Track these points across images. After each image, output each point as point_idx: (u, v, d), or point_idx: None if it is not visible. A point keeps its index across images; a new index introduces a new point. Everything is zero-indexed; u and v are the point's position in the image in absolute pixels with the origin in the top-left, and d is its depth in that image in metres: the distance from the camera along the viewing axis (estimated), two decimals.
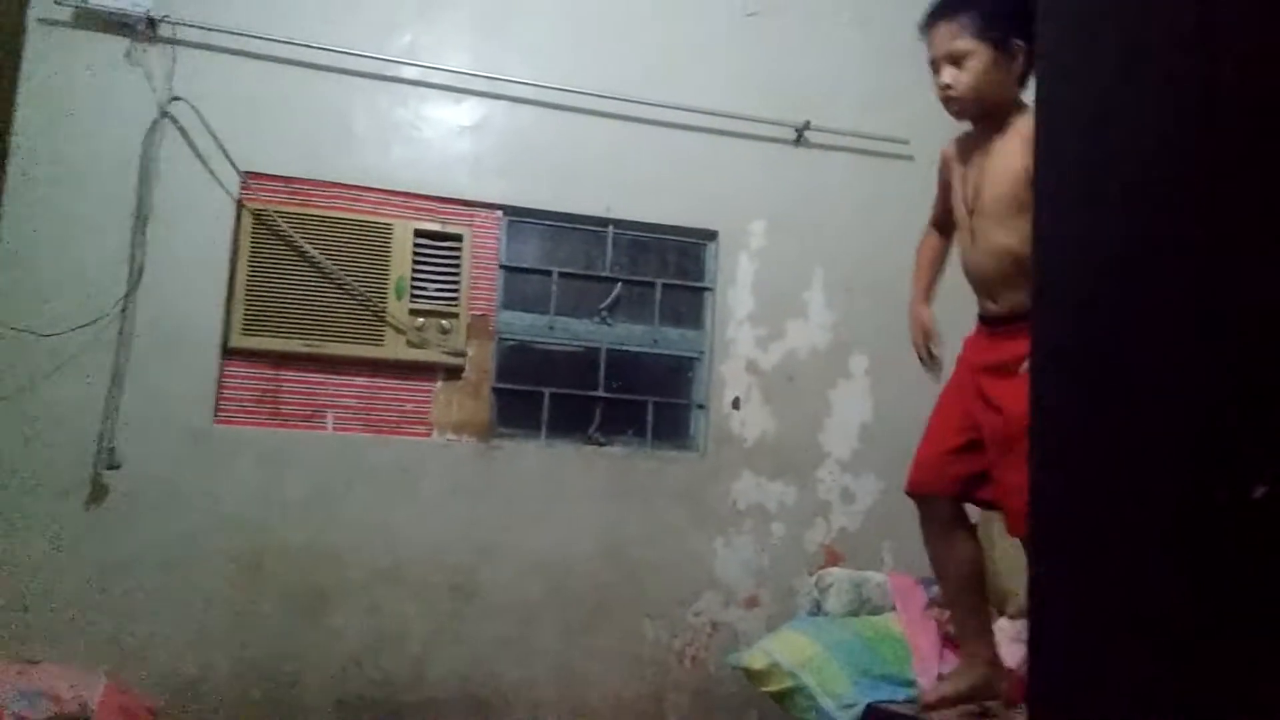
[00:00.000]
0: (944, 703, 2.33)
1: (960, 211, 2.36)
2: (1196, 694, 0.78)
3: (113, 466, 2.92)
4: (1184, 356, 0.79)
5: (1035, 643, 0.92)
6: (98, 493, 2.93)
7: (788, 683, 2.79)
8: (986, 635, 2.36)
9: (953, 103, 2.29)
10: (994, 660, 2.35)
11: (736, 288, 3.58)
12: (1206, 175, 0.82)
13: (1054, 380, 0.95)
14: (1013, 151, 2.20)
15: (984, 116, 2.29)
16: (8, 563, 2.84)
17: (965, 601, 2.39)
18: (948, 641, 2.85)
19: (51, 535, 2.88)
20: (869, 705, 2.64)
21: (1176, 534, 0.79)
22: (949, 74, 2.25)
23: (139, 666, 2.88)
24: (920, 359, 2.47)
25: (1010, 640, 2.85)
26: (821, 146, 3.67)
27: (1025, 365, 1.89)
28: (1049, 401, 0.95)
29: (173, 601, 2.95)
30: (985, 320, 2.34)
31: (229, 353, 3.10)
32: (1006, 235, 2.20)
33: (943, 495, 2.35)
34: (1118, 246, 0.89)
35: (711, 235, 3.60)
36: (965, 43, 2.22)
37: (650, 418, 3.52)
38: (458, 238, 3.31)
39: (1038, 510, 0.93)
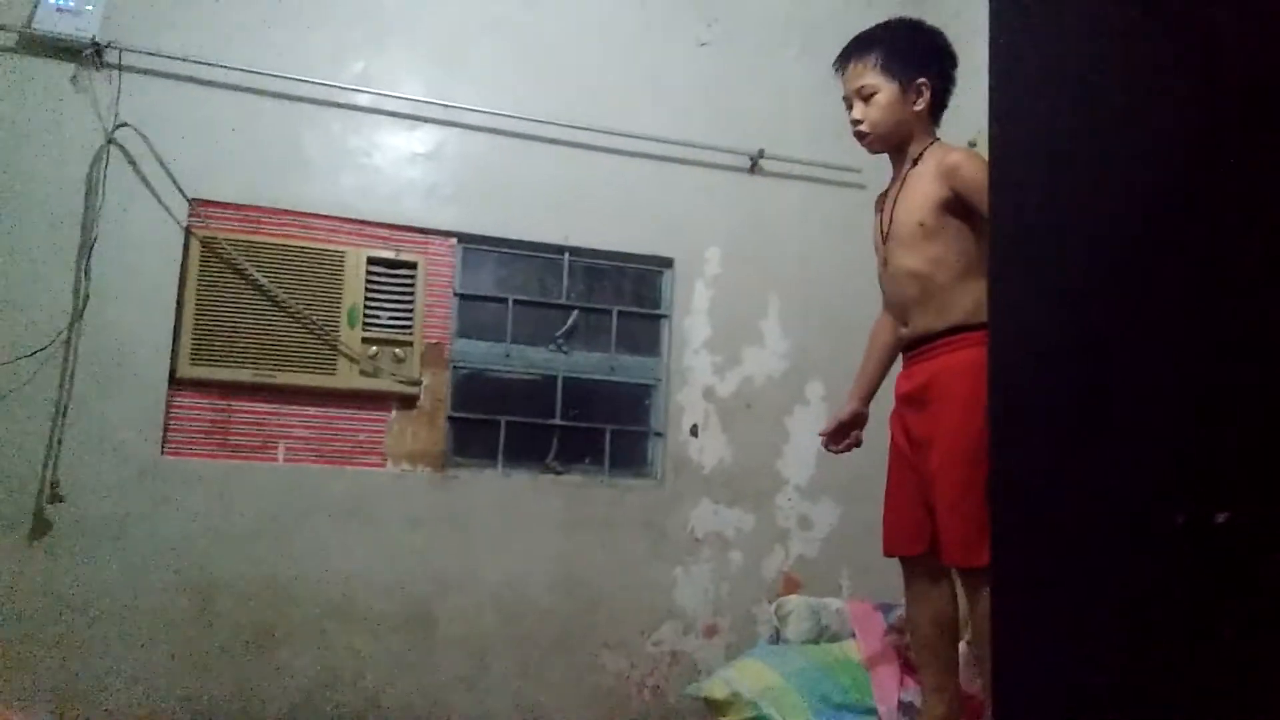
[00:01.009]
0: None
1: (877, 240, 2.51)
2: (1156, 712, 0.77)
3: (57, 500, 2.83)
4: (1146, 383, 0.79)
5: (998, 669, 0.92)
6: (41, 527, 2.84)
7: (748, 713, 2.77)
8: (953, 673, 2.38)
9: (863, 137, 2.46)
10: (957, 694, 2.36)
11: (693, 315, 3.59)
12: (1167, 198, 0.83)
13: (1011, 406, 0.96)
14: (924, 180, 2.35)
15: (897, 150, 2.47)
16: None
17: (935, 653, 2.42)
18: (907, 668, 2.85)
19: None
20: None
21: (1135, 558, 0.79)
22: (859, 110, 2.43)
23: (87, 706, 2.78)
24: (822, 442, 2.72)
25: (970, 664, 2.86)
26: (775, 175, 3.70)
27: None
28: (1007, 434, 0.95)
29: (121, 638, 2.86)
30: (905, 348, 2.47)
31: (177, 383, 3.03)
32: (914, 260, 2.35)
33: (917, 554, 2.38)
34: (1077, 269, 0.89)
35: (667, 263, 3.60)
36: (873, 79, 2.41)
37: (608, 446, 3.50)
38: (411, 265, 3.28)
39: (998, 541, 0.93)
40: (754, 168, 3.67)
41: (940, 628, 2.39)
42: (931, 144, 2.42)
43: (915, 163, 2.40)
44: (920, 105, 2.40)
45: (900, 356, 2.52)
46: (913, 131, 2.43)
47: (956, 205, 2.29)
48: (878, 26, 2.47)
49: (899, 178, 2.46)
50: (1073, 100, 0.91)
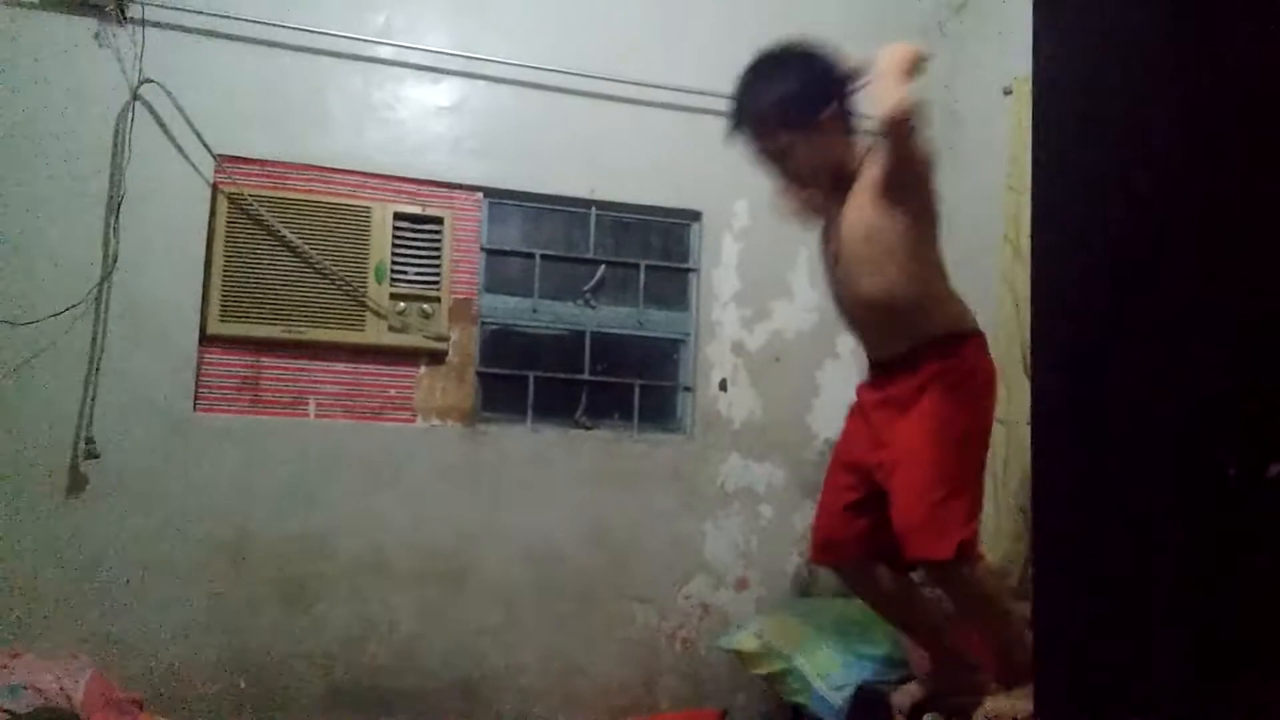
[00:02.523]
0: (915, 703, 2.32)
1: (828, 269, 2.37)
2: (1208, 680, 0.75)
3: (92, 456, 2.87)
4: (1194, 337, 0.76)
5: (1041, 629, 0.90)
6: (77, 483, 2.88)
7: (779, 665, 2.78)
8: (946, 638, 2.35)
9: (797, 196, 2.35)
10: (962, 657, 2.32)
11: (721, 268, 3.55)
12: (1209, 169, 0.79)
13: (1056, 360, 0.93)
14: (862, 201, 2.19)
15: (834, 184, 2.29)
16: None
17: (917, 627, 2.42)
18: None
19: (32, 526, 2.83)
20: (860, 685, 2.63)
21: (1186, 512, 0.77)
22: (781, 173, 2.29)
23: (124, 657, 2.84)
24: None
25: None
26: None
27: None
28: (1051, 385, 0.92)
29: (156, 591, 2.91)
30: (873, 365, 2.36)
31: (207, 339, 3.04)
32: (871, 283, 2.19)
33: (849, 558, 2.35)
34: (1122, 229, 0.86)
35: (695, 216, 3.56)
36: (780, 139, 2.23)
37: (636, 400, 3.49)
38: (438, 220, 3.26)
39: (1041, 496, 0.91)
40: None
41: (902, 605, 2.38)
42: (861, 160, 2.24)
43: (851, 184, 2.24)
44: (837, 130, 2.22)
45: (870, 374, 2.39)
46: (841, 159, 2.26)
47: (898, 190, 2.13)
48: (752, 80, 2.26)
49: (838, 203, 2.27)
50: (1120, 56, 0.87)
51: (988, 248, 3.31)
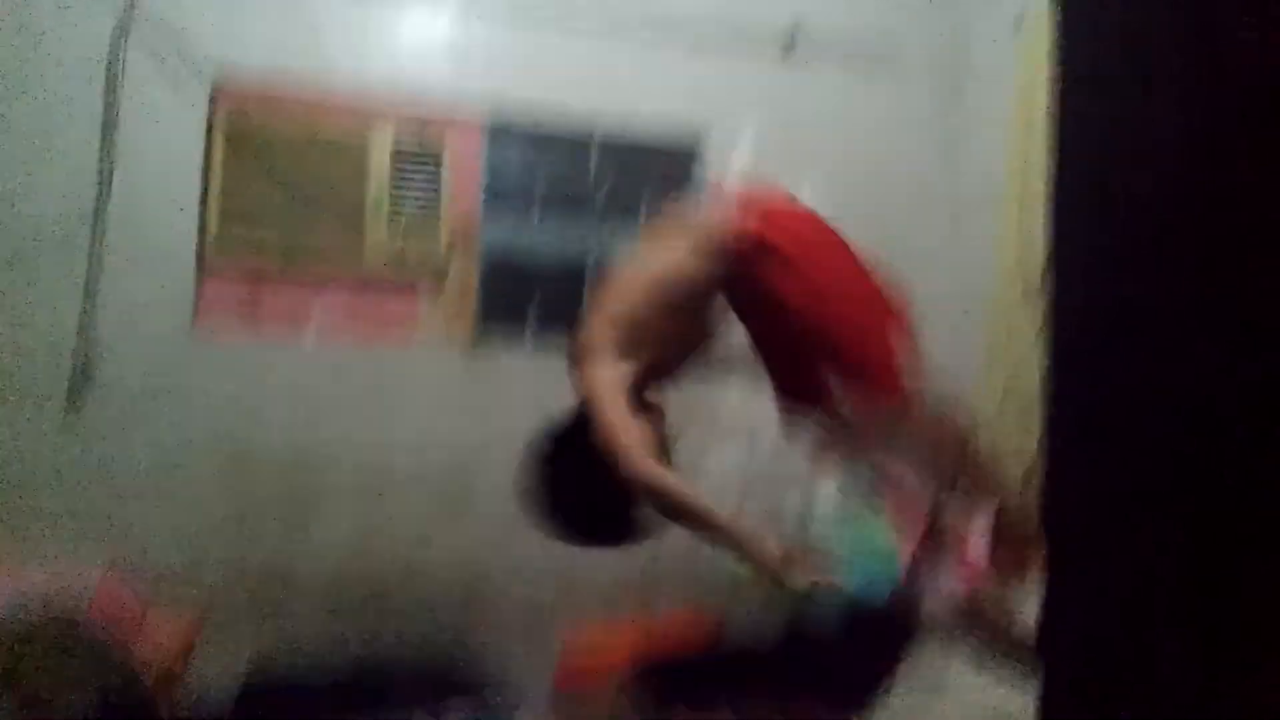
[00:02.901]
0: None
1: None
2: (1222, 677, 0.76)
3: (89, 376, 2.87)
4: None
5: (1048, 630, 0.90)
6: (76, 402, 2.89)
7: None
8: None
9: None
10: None
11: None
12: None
13: (1073, 355, 0.91)
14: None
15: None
16: None
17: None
18: (931, 532, 2.86)
19: (35, 442, 2.85)
20: (855, 596, 2.65)
21: (1193, 508, 0.77)
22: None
23: (131, 567, 2.86)
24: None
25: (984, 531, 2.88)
26: (810, 53, 3.59)
27: None
28: (1066, 389, 0.91)
29: (161, 503, 2.94)
30: None
31: (205, 264, 3.03)
32: None
33: None
34: (1136, 226, 0.84)
35: (698, 149, 3.53)
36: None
37: None
38: (438, 147, 3.23)
39: (1052, 496, 0.91)
40: (788, 45, 3.56)
41: None
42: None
43: None
44: None
45: None
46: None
47: None
48: None
49: None
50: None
51: (992, 187, 3.30)
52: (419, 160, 3.21)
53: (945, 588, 2.50)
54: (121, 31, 2.94)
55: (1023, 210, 3.06)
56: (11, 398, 2.84)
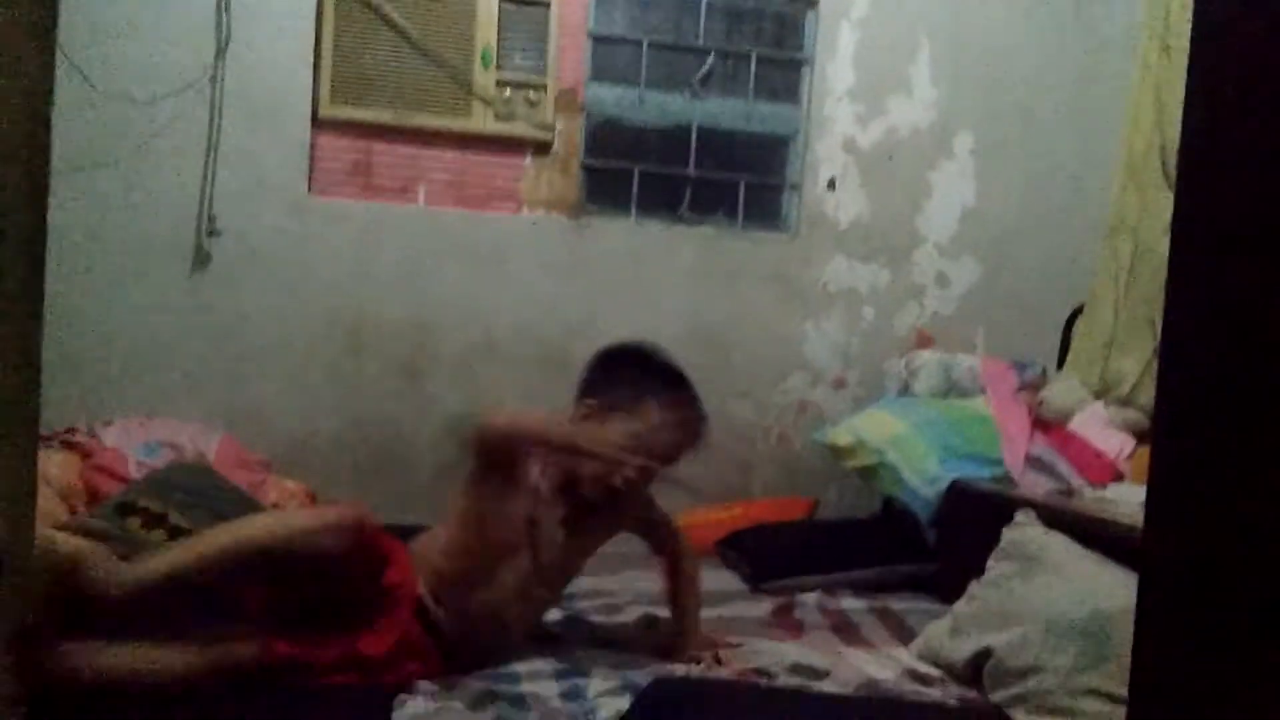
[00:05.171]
0: None
1: None
2: None
3: (214, 233, 2.99)
4: None
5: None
6: (201, 259, 3.01)
7: (873, 459, 2.82)
8: None
9: None
10: None
11: (836, 61, 3.39)
12: None
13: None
14: None
15: None
16: (122, 326, 2.97)
17: None
18: (1038, 424, 2.84)
19: (160, 300, 2.99)
20: (953, 482, 2.66)
21: None
22: None
23: (249, 424, 3.02)
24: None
25: (1103, 425, 2.83)
26: None
27: None
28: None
29: (278, 364, 3.08)
30: None
31: (319, 122, 3.08)
32: None
33: None
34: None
35: (812, 2, 3.38)
36: None
37: (741, 198, 3.44)
38: (545, 3, 3.17)
39: (1167, 395, 0.87)
40: None
41: None
42: None
43: None
44: None
45: None
46: None
47: None
48: None
49: None
50: None
51: (1128, 42, 3.08)
52: (526, 13, 3.16)
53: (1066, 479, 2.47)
54: None
55: (1164, 60, 2.85)
56: (139, 257, 2.97)
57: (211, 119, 2.98)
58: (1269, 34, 0.79)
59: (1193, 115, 0.87)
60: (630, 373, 1.98)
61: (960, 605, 2.05)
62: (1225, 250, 0.82)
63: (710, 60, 3.37)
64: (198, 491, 2.51)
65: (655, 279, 3.33)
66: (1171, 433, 0.89)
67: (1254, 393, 0.78)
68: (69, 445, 2.62)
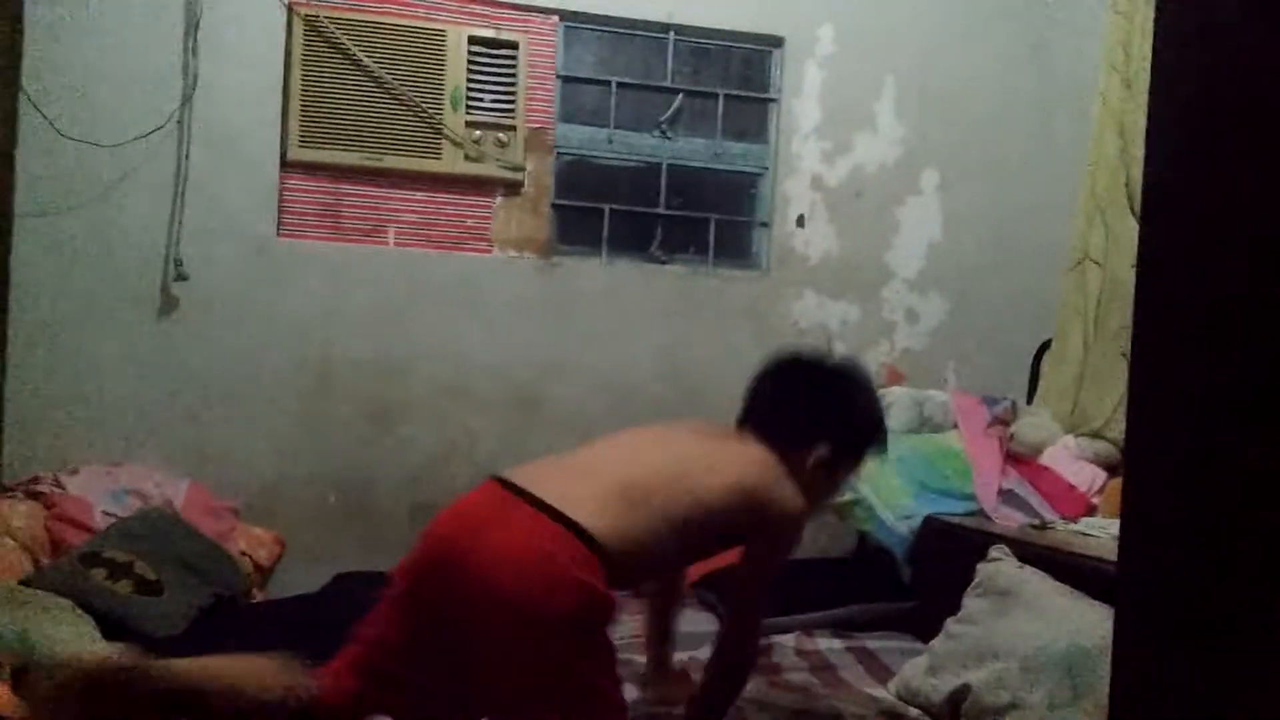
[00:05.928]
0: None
1: None
2: None
3: (181, 278, 2.96)
4: None
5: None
6: (169, 304, 2.98)
7: (847, 494, 2.82)
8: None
9: None
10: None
11: (802, 98, 3.43)
12: None
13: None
14: None
15: None
16: (87, 372, 2.92)
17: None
18: (1009, 458, 2.85)
19: (127, 345, 2.96)
20: (927, 517, 2.67)
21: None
22: None
23: (218, 470, 2.99)
24: None
25: (1074, 458, 2.85)
26: None
27: None
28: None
29: (247, 410, 3.04)
30: None
31: (288, 165, 3.07)
32: None
33: None
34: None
35: (777, 42, 3.43)
36: None
37: (712, 235, 3.45)
38: (513, 45, 3.19)
39: (1137, 427, 0.87)
40: None
41: None
42: None
43: None
44: None
45: None
46: None
47: None
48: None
49: None
50: None
51: (1088, 78, 3.14)
52: (495, 56, 3.18)
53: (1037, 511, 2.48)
54: None
55: (1126, 95, 2.91)
56: (106, 302, 2.94)
57: (179, 162, 2.96)
58: (1228, 67, 0.80)
59: (1154, 149, 0.89)
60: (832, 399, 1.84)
61: (937, 643, 2.05)
62: (1191, 282, 0.83)
63: (679, 100, 3.40)
64: (165, 540, 2.48)
65: (627, 317, 3.33)
66: (1142, 465, 0.90)
67: (1224, 423, 0.79)
68: (33, 495, 2.57)
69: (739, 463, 1.67)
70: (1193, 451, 0.82)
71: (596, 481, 1.56)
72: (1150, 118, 0.87)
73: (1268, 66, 0.76)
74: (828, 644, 2.39)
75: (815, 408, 1.81)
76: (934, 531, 2.63)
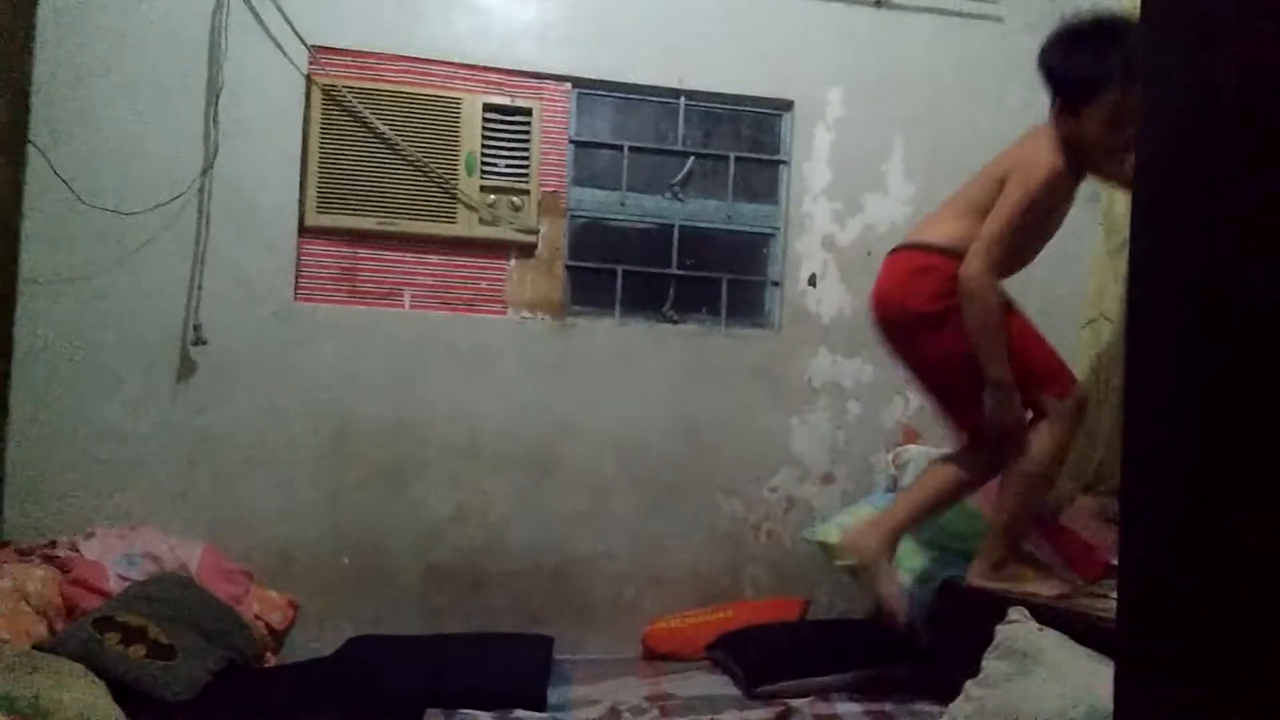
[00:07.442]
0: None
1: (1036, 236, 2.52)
2: None
3: (199, 342, 2.99)
4: None
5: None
6: (187, 368, 3.02)
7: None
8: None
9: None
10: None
11: (813, 160, 3.48)
12: None
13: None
14: None
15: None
16: (104, 436, 2.95)
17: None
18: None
19: (144, 409, 2.99)
20: (945, 580, 2.64)
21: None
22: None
23: (233, 534, 3.00)
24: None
25: (1092, 517, 2.82)
26: (903, 8, 3.49)
27: None
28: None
29: (262, 472, 3.06)
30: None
31: (306, 230, 3.12)
32: None
33: None
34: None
35: (787, 105, 3.48)
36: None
37: (724, 295, 3.48)
38: (527, 111, 3.25)
39: (1131, 487, 0.88)
40: (880, 1, 3.47)
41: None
42: None
43: None
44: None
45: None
46: None
47: None
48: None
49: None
50: None
51: None
52: (509, 122, 3.24)
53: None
54: (224, 1, 3.02)
55: None
56: (125, 367, 2.97)
57: (198, 228, 3.02)
58: (1215, 122, 0.82)
59: (1140, 206, 0.90)
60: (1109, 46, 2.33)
61: (956, 706, 2.02)
62: (1180, 338, 0.84)
63: (690, 162, 3.45)
64: (178, 604, 2.47)
65: (641, 377, 3.34)
66: (1138, 521, 0.90)
67: (1220, 478, 0.79)
68: (49, 559, 2.58)
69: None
70: (1189, 510, 0.82)
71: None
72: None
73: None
74: (845, 707, 2.36)
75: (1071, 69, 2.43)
76: (953, 594, 2.59)
